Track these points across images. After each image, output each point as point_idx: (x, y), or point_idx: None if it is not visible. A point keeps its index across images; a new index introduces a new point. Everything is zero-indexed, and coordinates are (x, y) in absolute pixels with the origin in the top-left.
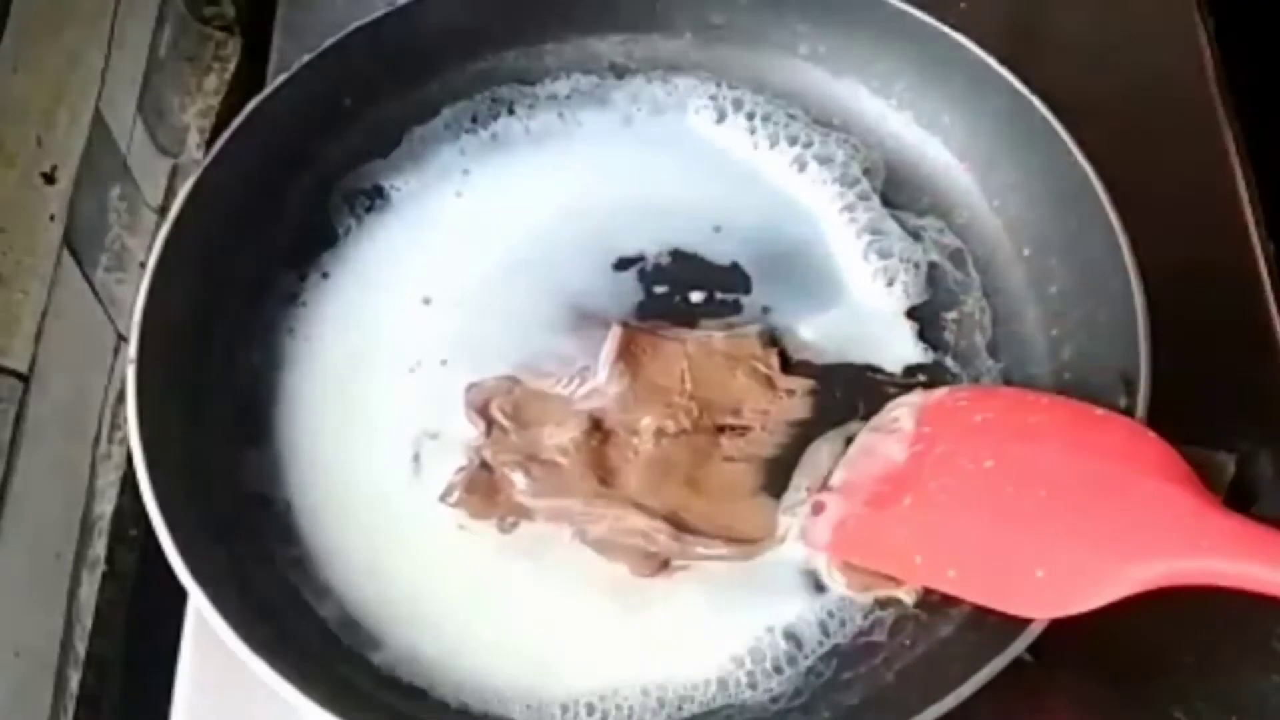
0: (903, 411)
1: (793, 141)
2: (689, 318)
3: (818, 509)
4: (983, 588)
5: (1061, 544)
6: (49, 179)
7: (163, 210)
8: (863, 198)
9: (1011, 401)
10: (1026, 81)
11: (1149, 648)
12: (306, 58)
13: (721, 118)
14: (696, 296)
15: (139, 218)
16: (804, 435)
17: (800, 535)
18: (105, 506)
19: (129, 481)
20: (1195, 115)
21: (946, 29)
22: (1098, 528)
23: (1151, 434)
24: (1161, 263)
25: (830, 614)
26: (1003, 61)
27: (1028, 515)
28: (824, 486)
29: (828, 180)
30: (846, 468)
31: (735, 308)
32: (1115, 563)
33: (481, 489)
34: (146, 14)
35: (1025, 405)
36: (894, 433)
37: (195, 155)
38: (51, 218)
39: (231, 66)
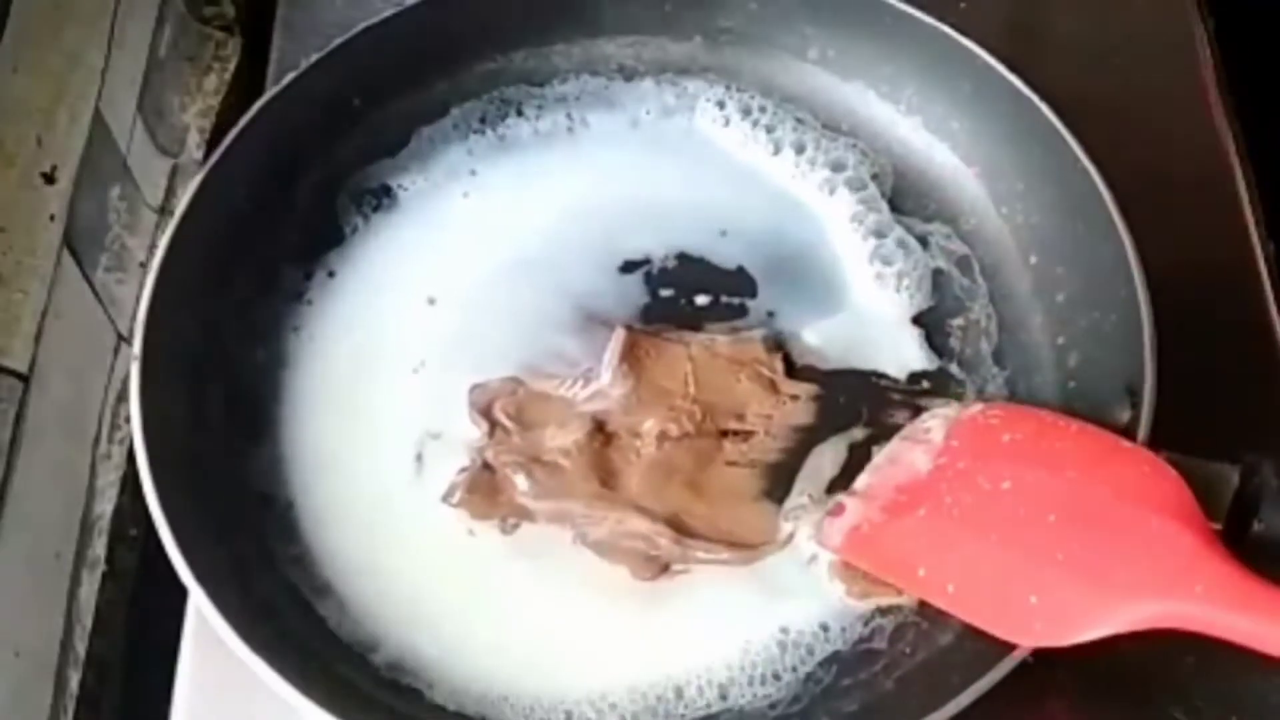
0: (935, 423)
1: (800, 146)
2: (694, 321)
3: (837, 511)
4: (977, 607)
5: (1058, 572)
6: (49, 179)
7: (163, 210)
8: (870, 203)
9: (1041, 426)
10: (1027, 82)
11: (1149, 647)
12: (315, 57)
13: (729, 121)
14: (702, 300)
15: (139, 218)
16: (807, 440)
17: (814, 534)
18: (105, 506)
19: (129, 481)
20: (1195, 115)
21: (954, 33)
22: (1096, 561)
23: (1170, 471)
24: (1161, 263)
25: (830, 620)
26: (1002, 62)
27: (1032, 540)
28: (848, 489)
29: (835, 185)
30: (872, 473)
31: (740, 311)
32: (1105, 598)
33: (483, 490)
34: (146, 14)
35: (1054, 431)
36: (923, 443)
37: (195, 155)
38: (51, 218)
39: (231, 66)
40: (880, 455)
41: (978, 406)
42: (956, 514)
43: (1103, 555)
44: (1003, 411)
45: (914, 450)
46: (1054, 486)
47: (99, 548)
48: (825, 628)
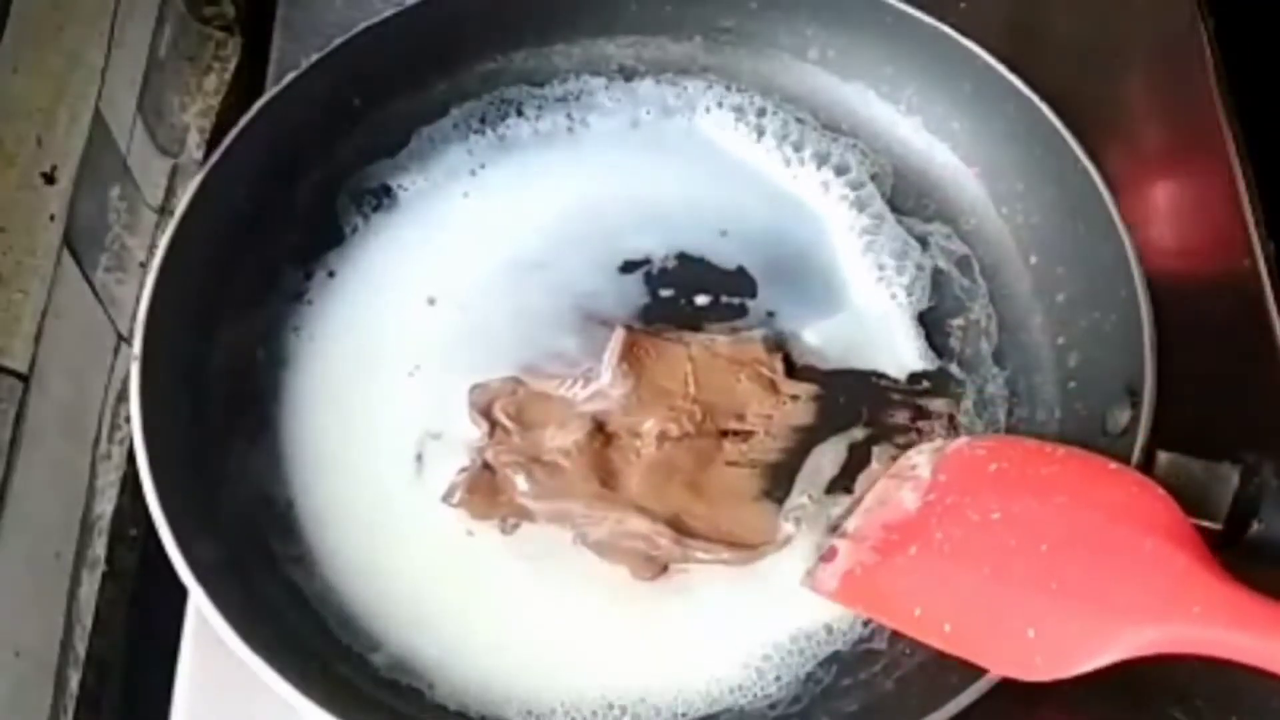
0: (922, 459)
1: (800, 146)
2: (694, 321)
3: (828, 556)
4: (975, 645)
5: (1053, 602)
6: (49, 179)
7: (163, 210)
8: (870, 203)
9: (1028, 453)
10: (1027, 82)
11: None
12: (315, 56)
13: (729, 121)
14: (702, 300)
15: (139, 218)
16: (807, 440)
17: (806, 580)
18: (105, 506)
19: (129, 481)
20: (1195, 115)
21: (956, 34)
22: (1091, 587)
23: (1160, 491)
24: (1160, 264)
25: (830, 620)
26: (1003, 62)
27: (1025, 570)
28: (839, 532)
29: (835, 185)
30: (861, 515)
31: (740, 311)
32: (1103, 624)
33: (483, 490)
34: (146, 14)
35: (1041, 457)
36: (910, 480)
37: (195, 155)
38: (51, 218)
39: (231, 66)
40: (869, 496)
41: (964, 440)
42: (948, 549)
43: (1097, 581)
44: (989, 442)
45: (902, 488)
46: (1044, 514)
47: (99, 548)
48: (825, 628)
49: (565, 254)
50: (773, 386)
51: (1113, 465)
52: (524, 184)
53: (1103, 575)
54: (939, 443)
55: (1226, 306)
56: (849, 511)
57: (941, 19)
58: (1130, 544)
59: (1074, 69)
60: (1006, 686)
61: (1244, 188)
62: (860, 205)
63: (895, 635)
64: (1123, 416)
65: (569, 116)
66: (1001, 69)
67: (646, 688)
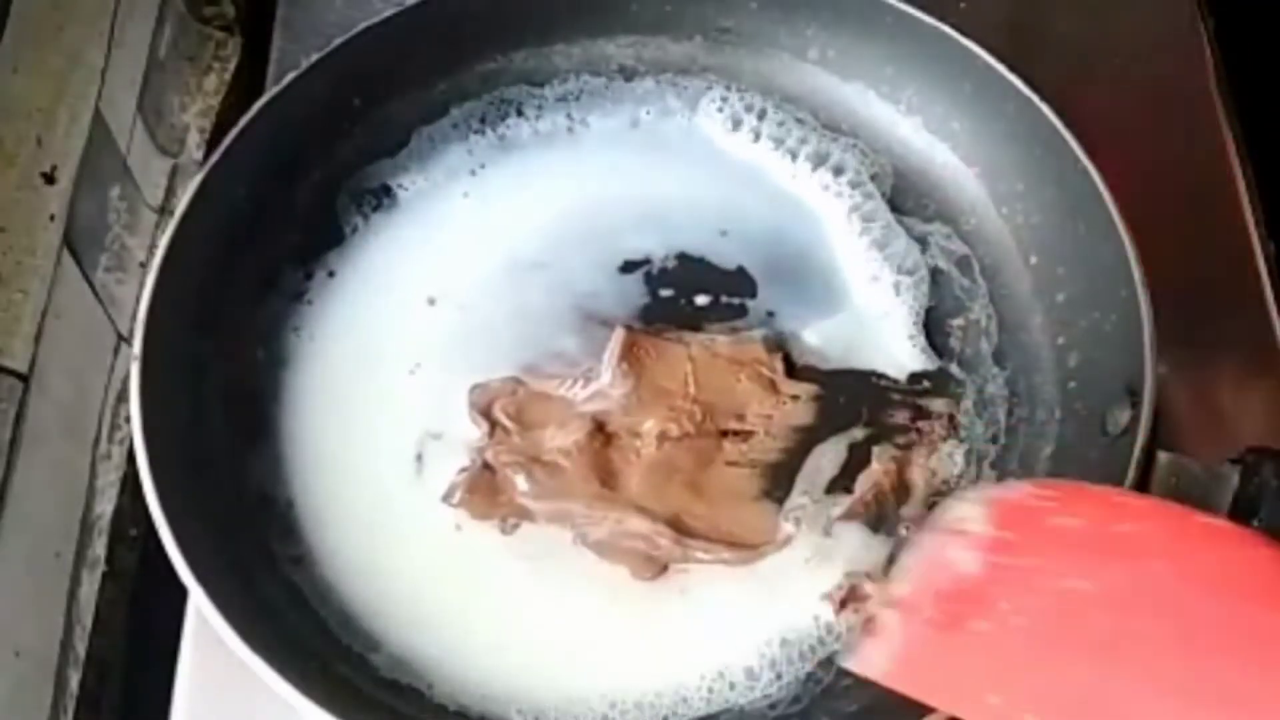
0: (970, 510)
1: (800, 146)
2: (694, 321)
3: (871, 629)
4: None
5: (1177, 699)
6: (49, 179)
7: (163, 210)
8: (870, 203)
9: (1100, 505)
10: (1027, 82)
11: None
12: (315, 57)
13: (730, 121)
14: (702, 300)
15: (139, 218)
16: (807, 440)
17: (848, 655)
18: (105, 506)
19: (129, 481)
20: (1195, 115)
21: (955, 33)
22: (1220, 683)
23: (1265, 545)
24: (1160, 263)
25: (830, 620)
26: (1002, 62)
27: (1131, 656)
28: (887, 600)
29: (835, 185)
30: (909, 579)
31: (740, 311)
32: None
33: (483, 490)
34: (146, 14)
35: (1121, 511)
36: (962, 535)
37: (195, 155)
38: (51, 218)
39: (231, 66)
40: (913, 554)
41: (1022, 486)
42: (1024, 624)
43: (1226, 674)
44: (1056, 492)
45: (952, 545)
46: (1139, 583)
47: (99, 548)
48: (826, 628)
49: (565, 254)
50: (773, 386)
51: (1200, 518)
52: (524, 184)
53: (1231, 665)
54: (985, 489)
55: (1226, 306)
56: (848, 512)
57: (941, 19)
58: (1254, 622)
59: (1074, 69)
60: None
61: (1244, 188)
62: (860, 205)
63: None
64: (1123, 416)
65: (569, 116)
66: (1001, 69)
67: (646, 688)
